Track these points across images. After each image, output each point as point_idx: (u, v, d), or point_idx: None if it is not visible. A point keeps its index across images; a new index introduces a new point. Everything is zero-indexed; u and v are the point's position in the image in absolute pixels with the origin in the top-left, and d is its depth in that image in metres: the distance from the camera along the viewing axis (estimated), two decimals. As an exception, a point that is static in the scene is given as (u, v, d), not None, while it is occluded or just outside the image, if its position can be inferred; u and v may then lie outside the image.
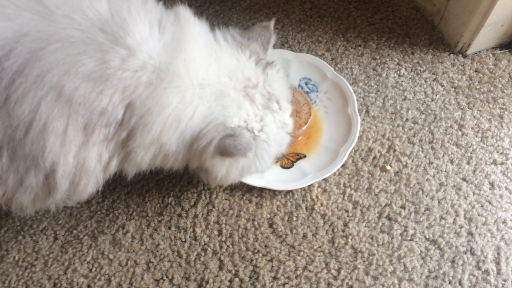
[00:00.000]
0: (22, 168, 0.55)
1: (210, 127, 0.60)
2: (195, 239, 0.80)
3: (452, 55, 1.02)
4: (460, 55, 1.02)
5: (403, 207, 0.83)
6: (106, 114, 0.55)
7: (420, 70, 1.00)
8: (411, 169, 0.87)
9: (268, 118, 0.64)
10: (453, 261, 0.78)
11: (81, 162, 0.57)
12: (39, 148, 0.53)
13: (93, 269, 0.77)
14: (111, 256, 0.78)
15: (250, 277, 0.76)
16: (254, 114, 0.63)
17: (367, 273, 0.76)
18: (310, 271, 0.77)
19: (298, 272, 0.77)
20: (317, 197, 0.84)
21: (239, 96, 0.62)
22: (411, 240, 0.80)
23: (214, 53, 0.62)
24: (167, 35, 0.57)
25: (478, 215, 0.82)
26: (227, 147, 0.59)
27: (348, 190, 0.84)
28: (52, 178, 0.56)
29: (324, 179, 0.85)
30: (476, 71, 1.00)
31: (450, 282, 0.76)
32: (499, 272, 0.77)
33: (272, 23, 0.69)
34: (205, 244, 0.79)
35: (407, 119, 0.93)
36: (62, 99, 0.52)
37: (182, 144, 0.61)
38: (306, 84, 0.96)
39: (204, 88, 0.60)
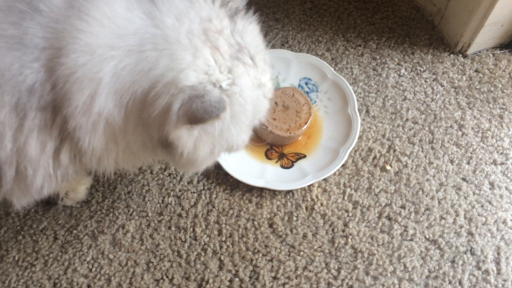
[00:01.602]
0: None
1: (159, 89, 0.49)
2: (195, 239, 0.80)
3: (452, 55, 1.02)
4: (460, 55, 1.02)
5: (403, 207, 0.83)
6: (35, 93, 0.50)
7: (420, 70, 1.00)
8: (411, 169, 0.87)
9: (239, 70, 0.53)
10: (453, 261, 0.78)
11: (20, 148, 0.52)
12: None
13: (93, 269, 0.77)
14: (111, 256, 0.78)
15: (250, 277, 0.76)
16: (218, 64, 0.51)
17: (367, 273, 0.76)
18: (310, 271, 0.77)
19: (298, 272, 0.77)
20: (317, 197, 0.84)
21: (196, 41, 0.50)
22: (411, 240, 0.80)
23: None
24: None
25: (478, 215, 0.82)
26: (196, 112, 0.48)
27: (348, 190, 0.84)
28: None
29: (324, 179, 0.85)
30: (476, 71, 1.00)
31: (450, 282, 0.76)
32: (499, 272, 0.77)
33: None
34: (205, 244, 0.79)
35: (407, 119, 0.93)
36: None
37: (129, 113, 0.52)
38: (306, 84, 0.96)
39: (124, 37, 0.50)
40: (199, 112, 0.48)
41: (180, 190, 0.85)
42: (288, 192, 0.84)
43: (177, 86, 0.49)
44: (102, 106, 0.50)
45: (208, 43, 0.51)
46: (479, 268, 0.77)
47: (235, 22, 0.55)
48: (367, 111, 0.94)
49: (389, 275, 0.76)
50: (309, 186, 0.84)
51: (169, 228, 0.81)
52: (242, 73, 0.53)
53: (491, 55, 1.01)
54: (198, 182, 0.85)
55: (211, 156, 0.58)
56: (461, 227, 0.81)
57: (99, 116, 0.51)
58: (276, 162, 0.88)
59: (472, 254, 0.78)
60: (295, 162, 0.88)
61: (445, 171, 0.87)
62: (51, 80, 0.50)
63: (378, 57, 1.01)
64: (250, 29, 0.57)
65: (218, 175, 0.85)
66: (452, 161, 0.88)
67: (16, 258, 0.77)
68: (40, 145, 0.53)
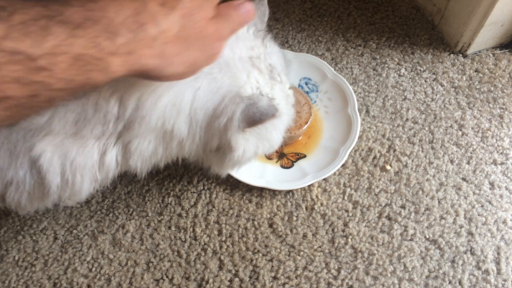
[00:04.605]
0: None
1: (226, 102, 0.58)
2: (195, 239, 0.80)
3: (452, 55, 1.02)
4: (460, 55, 1.02)
5: (403, 207, 0.83)
6: (100, 109, 0.53)
7: (420, 70, 1.00)
8: (411, 169, 0.87)
9: (276, 87, 0.64)
10: (453, 261, 0.78)
11: (74, 157, 0.56)
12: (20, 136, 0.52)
13: (93, 269, 0.77)
14: (111, 256, 0.78)
15: (250, 277, 0.76)
16: (264, 82, 0.62)
17: (367, 273, 0.76)
18: (310, 271, 0.77)
19: (298, 272, 0.77)
20: (317, 197, 0.84)
21: (247, 65, 0.60)
22: (411, 240, 0.80)
23: None
24: None
25: (478, 215, 0.82)
26: (254, 116, 0.58)
27: (348, 190, 0.84)
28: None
29: (324, 179, 0.85)
30: (476, 71, 1.00)
31: (450, 282, 0.76)
32: (499, 272, 0.77)
33: None
34: (205, 244, 0.79)
35: (407, 119, 0.93)
36: None
37: (196, 126, 0.60)
38: (306, 84, 0.96)
39: None
40: (256, 115, 0.59)
41: (180, 190, 0.85)
42: (288, 192, 0.84)
43: (240, 96, 0.58)
44: (174, 125, 0.58)
45: (255, 67, 0.61)
46: (479, 268, 0.77)
47: (265, 46, 0.65)
48: (367, 111, 0.94)
49: (389, 275, 0.76)
50: (309, 186, 0.84)
51: (169, 228, 0.81)
52: (278, 90, 0.64)
53: (491, 55, 1.01)
54: (198, 182, 0.85)
55: (253, 156, 0.69)
56: (461, 227, 0.81)
57: (165, 131, 0.59)
58: (276, 162, 0.88)
59: (472, 254, 0.78)
60: (295, 162, 0.88)
61: (445, 171, 0.87)
62: (118, 97, 0.54)
63: (378, 57, 1.01)
64: (275, 50, 0.67)
65: (218, 175, 0.85)
66: (452, 161, 0.88)
67: (16, 258, 0.77)
68: (91, 151, 0.57)
